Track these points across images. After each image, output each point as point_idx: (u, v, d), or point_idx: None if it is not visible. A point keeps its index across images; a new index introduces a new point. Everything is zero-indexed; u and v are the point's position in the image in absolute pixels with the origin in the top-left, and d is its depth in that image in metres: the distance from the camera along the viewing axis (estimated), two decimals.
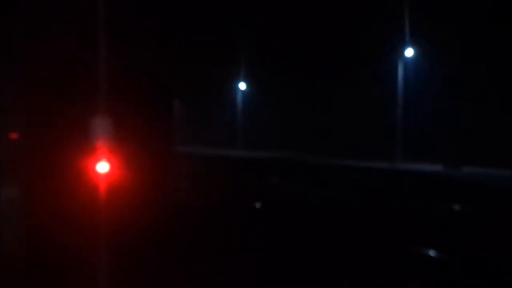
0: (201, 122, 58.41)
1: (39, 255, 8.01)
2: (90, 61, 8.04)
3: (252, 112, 48.77)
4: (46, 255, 7.95)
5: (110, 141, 7.88)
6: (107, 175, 7.92)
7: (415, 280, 8.91)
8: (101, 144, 7.78)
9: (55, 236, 7.85)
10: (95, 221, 7.90)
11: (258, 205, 17.32)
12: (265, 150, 44.75)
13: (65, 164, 7.95)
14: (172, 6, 8.89)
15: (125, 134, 8.07)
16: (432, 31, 26.88)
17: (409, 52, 28.59)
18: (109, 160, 7.90)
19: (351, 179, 23.63)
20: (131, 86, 8.63)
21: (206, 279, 9.11)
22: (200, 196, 19.52)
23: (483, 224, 14.18)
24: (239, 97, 49.84)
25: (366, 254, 10.66)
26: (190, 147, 46.82)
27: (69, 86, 8.31)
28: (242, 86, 49.36)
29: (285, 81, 43.01)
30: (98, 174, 7.89)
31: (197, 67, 52.55)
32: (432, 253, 10.62)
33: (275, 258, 10.55)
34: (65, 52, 8.02)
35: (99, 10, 7.77)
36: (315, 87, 39.88)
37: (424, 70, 28.28)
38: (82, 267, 7.80)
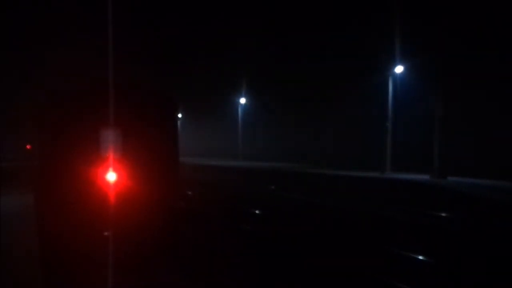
0: (204, 134, 58.44)
1: (52, 256, 8.00)
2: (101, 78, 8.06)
3: (252, 125, 48.76)
4: (58, 257, 7.94)
5: (119, 151, 7.87)
6: (116, 183, 7.94)
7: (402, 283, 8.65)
8: (111, 154, 7.74)
9: (67, 239, 7.87)
10: (105, 226, 7.93)
11: (257, 210, 17.18)
12: (264, 161, 44.69)
13: (77, 173, 7.95)
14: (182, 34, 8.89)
15: (133, 146, 8.08)
16: (419, 49, 26.94)
17: (398, 69, 28.57)
18: (117, 170, 7.92)
19: (343, 188, 23.62)
20: (139, 102, 8.62)
21: (210, 280, 8.93)
22: (203, 202, 19.43)
23: (465, 229, 14.11)
24: (239, 112, 49.74)
25: (356, 256, 10.50)
26: (193, 158, 46.88)
27: (81, 102, 8.31)
28: (242, 101, 49.33)
29: (282, 96, 43.10)
30: (107, 182, 7.92)
31: (200, 84, 52.89)
32: (418, 256, 10.42)
33: (273, 259, 10.45)
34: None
35: (108, 28, 7.77)
36: (311, 102, 40.01)
37: (412, 86, 28.30)
38: (92, 268, 7.76)
